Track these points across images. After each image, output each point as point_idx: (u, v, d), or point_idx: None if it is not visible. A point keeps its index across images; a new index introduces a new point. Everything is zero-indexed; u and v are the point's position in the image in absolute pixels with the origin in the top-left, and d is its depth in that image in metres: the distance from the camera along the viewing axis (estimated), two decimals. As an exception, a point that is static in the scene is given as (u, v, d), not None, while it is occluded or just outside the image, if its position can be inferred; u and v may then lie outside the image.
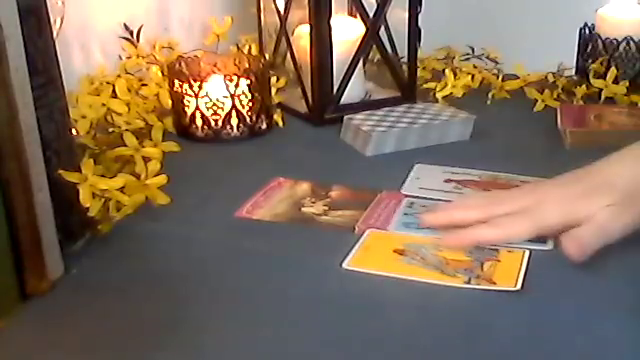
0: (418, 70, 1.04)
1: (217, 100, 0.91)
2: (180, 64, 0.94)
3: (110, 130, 0.84)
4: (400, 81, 1.02)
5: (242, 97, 0.91)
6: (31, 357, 0.52)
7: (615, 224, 0.62)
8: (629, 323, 0.54)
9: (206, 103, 0.91)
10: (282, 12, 1.02)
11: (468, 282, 0.59)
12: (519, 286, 0.58)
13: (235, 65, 0.93)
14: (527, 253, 0.63)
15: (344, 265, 0.62)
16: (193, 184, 0.78)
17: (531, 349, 0.52)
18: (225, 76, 0.90)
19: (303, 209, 0.73)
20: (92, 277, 0.62)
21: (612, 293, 0.58)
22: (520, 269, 0.61)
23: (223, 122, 0.91)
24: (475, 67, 1.13)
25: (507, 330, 0.54)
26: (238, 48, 1.12)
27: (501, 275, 0.60)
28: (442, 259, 0.62)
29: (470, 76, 1.08)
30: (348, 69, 0.97)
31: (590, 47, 1.06)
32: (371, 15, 0.97)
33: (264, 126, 0.95)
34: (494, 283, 0.59)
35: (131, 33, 1.07)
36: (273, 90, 0.97)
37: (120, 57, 1.05)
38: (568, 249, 0.61)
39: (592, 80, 1.01)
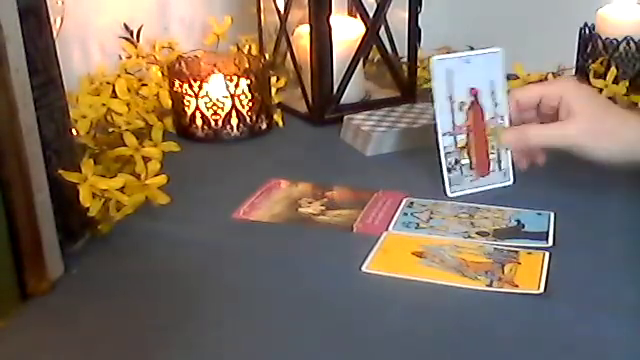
0: (418, 70, 1.04)
1: (217, 100, 0.91)
2: (180, 64, 0.94)
3: (110, 130, 0.84)
4: (400, 81, 1.02)
5: (242, 97, 0.91)
6: (31, 357, 0.52)
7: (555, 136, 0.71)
8: (631, 323, 0.54)
9: (206, 103, 0.91)
10: (282, 12, 1.02)
11: (490, 285, 0.59)
12: (542, 289, 0.58)
13: (235, 65, 0.93)
14: (547, 255, 0.63)
15: (363, 268, 0.62)
16: (193, 184, 0.78)
17: (544, 350, 0.52)
18: (225, 76, 0.90)
19: (300, 209, 0.73)
20: (92, 277, 0.62)
21: (613, 293, 0.58)
22: (541, 271, 0.60)
23: (223, 122, 0.92)
24: (475, 67, 1.13)
25: (526, 331, 0.54)
26: (238, 48, 1.12)
27: (523, 278, 0.59)
28: (462, 261, 0.62)
29: (470, 76, 1.08)
30: (348, 69, 0.97)
31: (590, 47, 1.06)
32: (371, 15, 0.97)
33: (264, 126, 0.95)
34: (516, 286, 0.58)
35: (131, 33, 1.07)
36: (273, 90, 0.97)
37: (120, 57, 1.05)
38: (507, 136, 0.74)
39: (592, 80, 1.01)
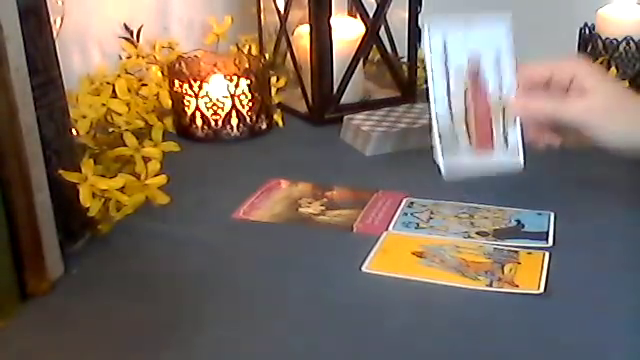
0: (418, 70, 1.04)
1: (217, 100, 0.91)
2: (180, 64, 0.94)
3: (110, 130, 0.84)
4: (400, 81, 1.02)
5: (242, 97, 0.91)
6: (31, 357, 0.52)
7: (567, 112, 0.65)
8: (631, 323, 0.54)
9: (206, 103, 0.91)
10: (282, 12, 1.02)
11: (490, 285, 0.59)
12: (542, 289, 0.58)
13: (235, 65, 0.93)
14: (547, 255, 0.63)
15: (363, 268, 0.62)
16: (193, 184, 0.78)
17: (540, 348, 0.52)
18: (225, 76, 0.90)
19: (300, 209, 0.73)
20: (92, 277, 0.62)
21: (612, 293, 0.58)
22: (541, 271, 0.60)
23: (223, 122, 0.92)
24: (475, 67, 1.12)
25: (528, 330, 0.54)
26: (238, 48, 1.12)
27: (523, 278, 0.60)
28: (462, 261, 0.62)
29: (470, 76, 1.07)
30: (348, 69, 0.97)
31: (590, 47, 1.06)
32: (371, 15, 0.97)
33: (264, 126, 0.95)
34: (516, 286, 0.58)
35: (131, 33, 1.07)
36: (273, 90, 0.97)
37: (120, 57, 1.05)
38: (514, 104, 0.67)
39: (592, 80, 1.01)
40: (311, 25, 0.93)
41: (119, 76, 0.95)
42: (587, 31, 1.07)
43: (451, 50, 0.66)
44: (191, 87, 0.90)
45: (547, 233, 0.67)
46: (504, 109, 0.67)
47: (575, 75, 0.65)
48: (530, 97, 0.67)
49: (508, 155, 0.68)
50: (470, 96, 0.67)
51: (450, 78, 0.66)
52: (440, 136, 0.66)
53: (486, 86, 0.67)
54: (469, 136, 0.68)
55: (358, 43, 0.98)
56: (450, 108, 0.67)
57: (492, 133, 0.67)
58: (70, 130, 0.65)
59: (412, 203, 0.74)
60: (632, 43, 1.02)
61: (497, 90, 0.67)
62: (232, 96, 0.91)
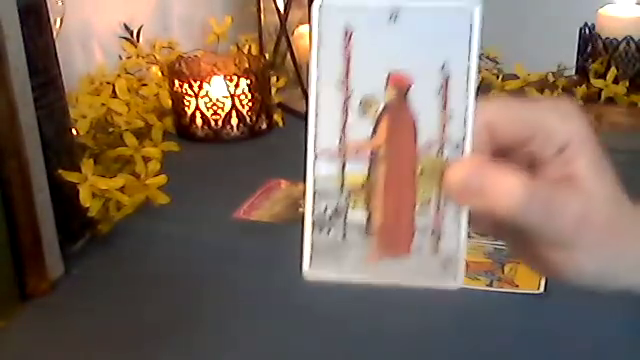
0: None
1: (217, 100, 0.91)
2: (180, 64, 0.94)
3: (110, 130, 0.84)
4: (400, 81, 1.02)
5: (242, 97, 0.91)
6: (31, 357, 0.52)
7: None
8: (631, 322, 0.54)
9: (206, 103, 0.91)
10: (282, 12, 1.02)
11: (490, 285, 0.59)
12: (542, 289, 0.58)
13: (235, 65, 0.93)
14: None
15: None
16: (193, 184, 0.78)
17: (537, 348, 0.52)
18: (225, 76, 0.90)
19: (300, 209, 0.73)
20: (92, 277, 0.62)
21: (612, 293, 0.58)
22: None
23: (223, 122, 0.91)
24: (475, 67, 1.12)
25: (531, 330, 0.54)
26: (238, 48, 1.12)
27: (523, 278, 0.60)
28: None
29: (470, 76, 1.07)
30: (348, 69, 0.97)
31: (590, 47, 1.06)
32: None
33: (264, 126, 0.95)
34: (517, 286, 0.59)
35: (131, 33, 1.07)
36: (273, 90, 0.97)
37: (120, 57, 1.05)
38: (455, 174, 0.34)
39: (592, 80, 1.01)
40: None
41: (119, 76, 0.95)
42: (587, 31, 1.07)
43: (362, 61, 0.35)
44: (191, 87, 0.90)
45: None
46: (442, 176, 0.34)
47: (568, 143, 0.36)
48: (487, 165, 0.34)
49: (434, 267, 0.36)
50: (384, 145, 0.36)
51: (351, 111, 0.36)
52: (314, 211, 0.38)
53: (415, 134, 0.35)
54: (368, 222, 0.36)
55: (358, 43, 0.98)
56: (343, 166, 0.38)
57: (412, 227, 0.35)
58: (70, 130, 0.65)
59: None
60: (632, 43, 1.02)
61: (432, 144, 0.35)
62: (232, 96, 0.91)
